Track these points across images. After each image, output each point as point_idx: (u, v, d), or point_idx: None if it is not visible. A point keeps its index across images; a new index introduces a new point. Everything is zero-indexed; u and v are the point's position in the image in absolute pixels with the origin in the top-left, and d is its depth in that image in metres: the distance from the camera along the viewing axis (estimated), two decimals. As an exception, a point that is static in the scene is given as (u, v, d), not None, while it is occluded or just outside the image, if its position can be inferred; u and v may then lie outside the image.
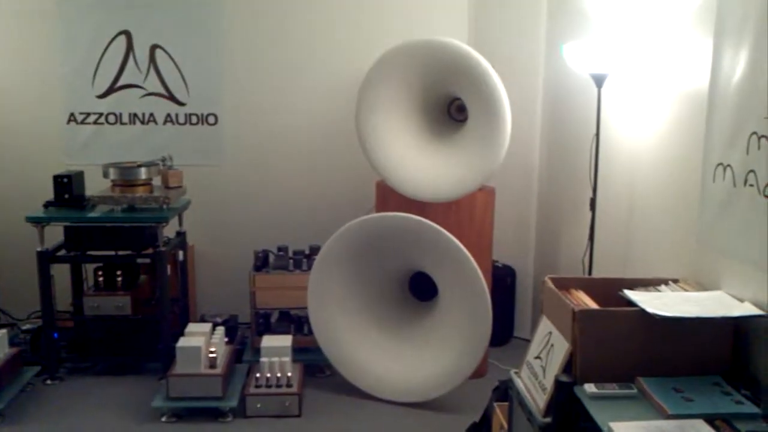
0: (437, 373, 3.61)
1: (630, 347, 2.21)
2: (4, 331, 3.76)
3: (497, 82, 3.52)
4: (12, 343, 3.86)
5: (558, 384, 2.15)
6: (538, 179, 4.44)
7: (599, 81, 3.27)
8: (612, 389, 2.12)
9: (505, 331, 4.46)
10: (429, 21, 4.48)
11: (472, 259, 3.42)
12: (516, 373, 2.57)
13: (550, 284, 2.49)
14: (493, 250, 4.04)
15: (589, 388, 2.12)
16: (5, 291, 4.43)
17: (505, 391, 2.88)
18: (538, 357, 2.44)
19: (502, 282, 4.38)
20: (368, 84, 3.76)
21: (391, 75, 3.72)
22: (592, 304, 2.36)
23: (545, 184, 4.40)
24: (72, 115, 4.60)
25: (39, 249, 3.83)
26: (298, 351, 3.84)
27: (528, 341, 4.43)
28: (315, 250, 4.09)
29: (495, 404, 2.89)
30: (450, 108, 3.97)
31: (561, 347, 2.28)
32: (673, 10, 2.87)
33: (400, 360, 3.73)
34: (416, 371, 3.67)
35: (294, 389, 3.55)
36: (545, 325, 2.49)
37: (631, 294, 2.35)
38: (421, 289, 3.94)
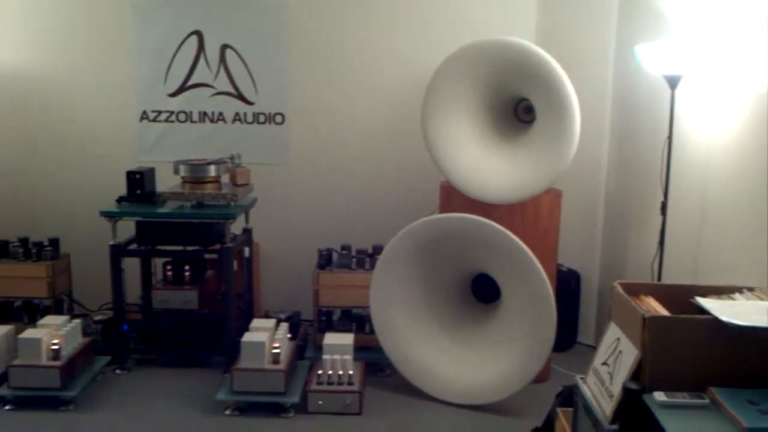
0: (499, 377, 3.58)
1: (702, 356, 2.14)
2: (78, 321, 3.90)
3: (567, 82, 3.46)
4: (85, 333, 3.99)
5: (626, 391, 2.10)
6: (605, 182, 4.36)
7: (673, 82, 3.19)
8: (683, 398, 2.06)
9: (568, 336, 4.39)
10: (496, 19, 4.44)
11: (537, 262, 3.38)
12: (582, 378, 2.52)
13: (620, 290, 2.43)
14: (557, 254, 3.98)
15: (659, 396, 2.06)
16: (79, 282, 4.57)
17: (568, 397, 2.83)
18: (605, 363, 2.39)
19: (567, 286, 4.31)
20: (435, 84, 3.75)
21: (458, 75, 3.70)
22: (663, 311, 2.30)
23: (613, 187, 4.31)
24: (144, 113, 4.73)
25: (111, 243, 3.96)
26: (359, 349, 3.85)
27: (592, 347, 4.39)
28: (378, 250, 4.11)
29: (558, 410, 2.84)
30: (517, 108, 3.93)
31: (630, 354, 2.23)
32: (751, 9, 2.77)
33: (461, 362, 3.72)
34: (478, 374, 3.64)
35: (355, 387, 3.57)
36: (613, 331, 2.44)
37: (703, 301, 2.27)
38: (484, 291, 3.91)
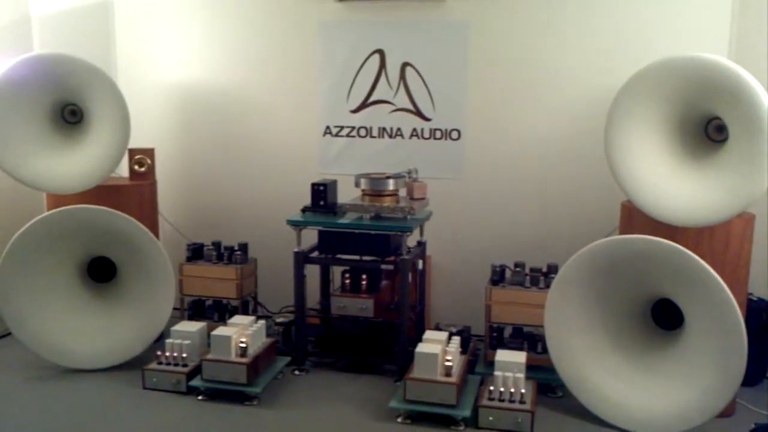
0: (680, 408, 3.42)
1: None
2: (263, 322, 4.16)
3: (765, 101, 3.26)
4: (267, 333, 4.24)
5: (838, 436, 1.95)
6: (804, 207, 4.05)
7: None
8: None
9: (756, 370, 4.10)
10: (685, 34, 4.25)
11: (728, 291, 3.20)
12: (781, 418, 2.37)
13: (829, 325, 2.26)
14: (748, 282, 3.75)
15: None
16: (264, 285, 4.87)
17: (762, 436, 2.67)
18: (810, 403, 2.23)
19: (757, 317, 4.04)
20: (620, 101, 3.66)
21: (646, 92, 3.59)
22: None
23: (813, 213, 3.99)
24: (328, 127, 4.98)
25: (296, 250, 4.19)
26: (530, 368, 3.80)
27: (789, 384, 4.08)
28: (552, 269, 4.06)
29: (751, 448, 2.68)
30: (707, 127, 3.74)
31: (841, 396, 2.07)
32: None
33: (639, 389, 3.58)
34: (657, 403, 3.49)
35: (527, 406, 3.54)
36: (820, 369, 2.27)
37: None
38: (666, 316, 3.75)
